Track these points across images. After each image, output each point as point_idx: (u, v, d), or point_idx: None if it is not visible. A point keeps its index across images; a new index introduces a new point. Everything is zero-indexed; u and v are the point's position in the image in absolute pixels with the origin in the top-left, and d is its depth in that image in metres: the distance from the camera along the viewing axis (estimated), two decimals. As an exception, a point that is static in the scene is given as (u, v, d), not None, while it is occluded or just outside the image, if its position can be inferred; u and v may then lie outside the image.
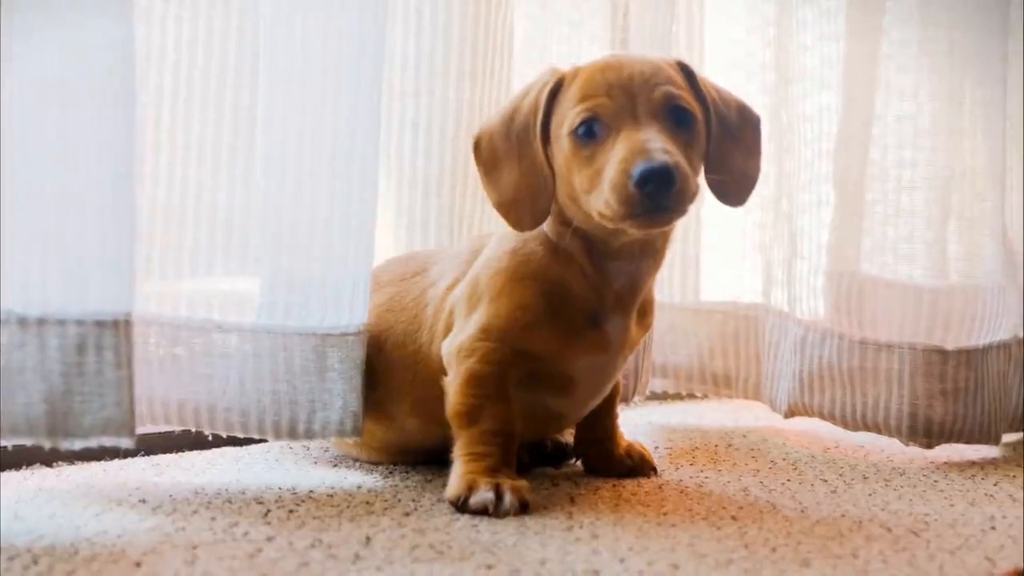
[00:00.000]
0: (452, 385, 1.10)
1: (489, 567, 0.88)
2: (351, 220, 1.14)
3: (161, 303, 1.13)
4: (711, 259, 1.65)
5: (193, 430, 1.15)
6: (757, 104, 1.53)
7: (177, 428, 1.15)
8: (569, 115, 1.05)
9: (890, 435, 1.40)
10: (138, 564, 0.86)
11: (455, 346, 1.11)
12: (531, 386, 1.12)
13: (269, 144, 1.13)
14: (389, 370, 1.17)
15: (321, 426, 1.14)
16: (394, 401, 1.17)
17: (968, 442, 1.39)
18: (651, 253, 1.11)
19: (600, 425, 1.23)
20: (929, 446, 1.39)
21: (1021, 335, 1.48)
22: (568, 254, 1.10)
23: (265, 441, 1.29)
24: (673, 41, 1.51)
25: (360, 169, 1.14)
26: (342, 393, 1.14)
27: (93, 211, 0.98)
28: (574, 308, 1.10)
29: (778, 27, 1.51)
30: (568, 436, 1.29)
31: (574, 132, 1.05)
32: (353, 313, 1.15)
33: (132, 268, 1.01)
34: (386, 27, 1.17)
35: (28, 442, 0.97)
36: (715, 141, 1.10)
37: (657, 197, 0.98)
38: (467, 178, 1.39)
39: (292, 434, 1.14)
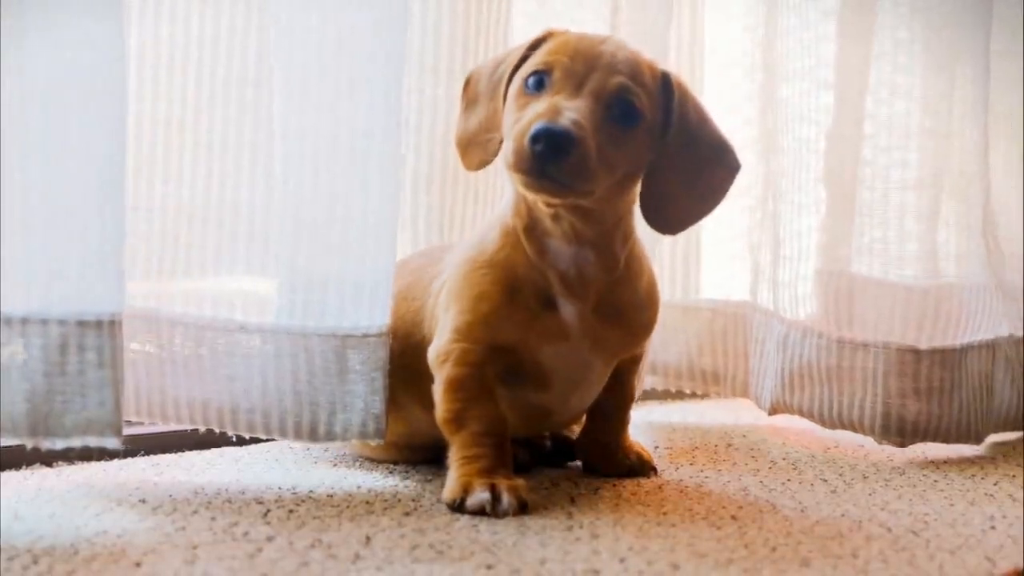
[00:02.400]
0: (437, 392, 1.10)
1: (489, 567, 0.88)
2: (369, 218, 1.14)
3: (186, 302, 1.14)
4: (704, 258, 1.64)
5: (216, 430, 1.15)
6: (754, 104, 1.55)
7: (202, 428, 1.16)
8: (529, 64, 1.07)
9: (864, 433, 1.40)
10: (138, 564, 0.86)
11: (434, 352, 1.11)
12: (511, 382, 1.12)
13: (288, 142, 1.13)
14: (402, 357, 1.17)
15: (343, 428, 1.14)
16: (403, 389, 1.17)
17: (945, 441, 1.39)
18: (588, 246, 1.09)
19: (606, 427, 1.22)
20: (902, 445, 1.39)
21: (1018, 335, 1.48)
22: (517, 235, 1.10)
23: (267, 441, 1.29)
24: (672, 39, 1.51)
25: (379, 167, 1.14)
26: (363, 395, 1.14)
27: (79, 212, 0.98)
28: (526, 290, 1.09)
29: (767, 26, 1.51)
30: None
31: (525, 79, 1.06)
32: (374, 313, 1.14)
33: (120, 269, 1.01)
34: (406, 23, 1.17)
35: (10, 441, 0.98)
36: (668, 160, 1.08)
37: (544, 160, 0.98)
38: (457, 176, 1.39)
39: (313, 436, 1.14)
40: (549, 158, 0.98)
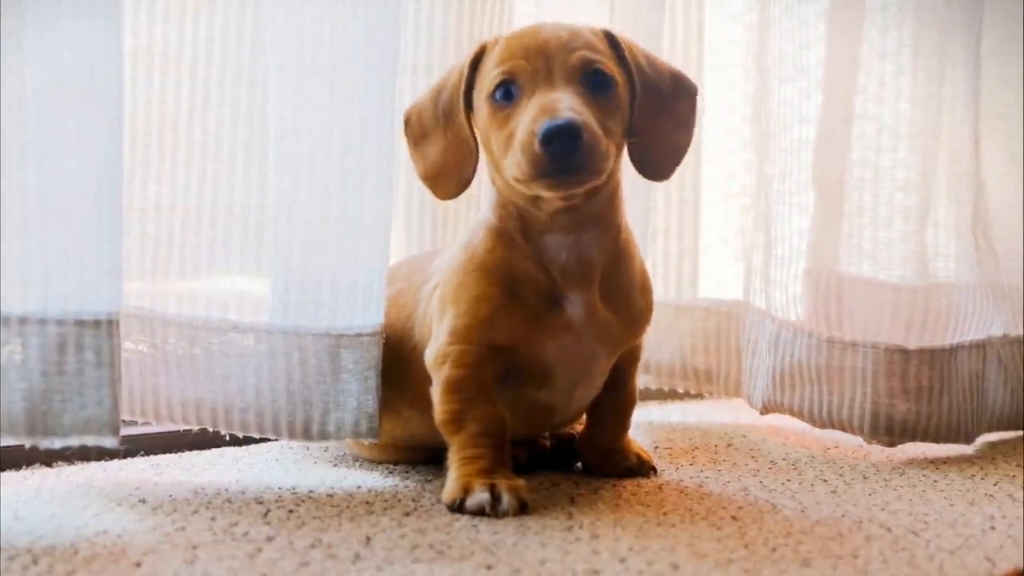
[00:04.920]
0: (435, 394, 1.10)
1: (489, 567, 0.88)
2: (365, 218, 1.14)
3: (180, 302, 1.14)
4: (702, 257, 1.64)
5: (210, 429, 1.16)
6: (752, 104, 1.55)
7: (196, 427, 1.17)
8: (487, 79, 1.07)
9: (854, 433, 1.40)
10: (138, 564, 0.86)
11: (431, 354, 1.11)
12: (512, 381, 1.12)
13: (282, 141, 1.14)
14: (393, 364, 1.17)
15: (336, 427, 1.15)
16: (398, 394, 1.18)
17: (935, 441, 1.39)
18: (590, 224, 1.10)
19: (607, 430, 1.22)
20: (891, 444, 1.39)
21: (1012, 335, 1.48)
22: (510, 235, 1.10)
23: (267, 441, 1.29)
24: (668, 37, 1.52)
25: (375, 166, 1.14)
26: (356, 394, 1.14)
27: (77, 211, 0.98)
28: (527, 290, 1.10)
29: (764, 27, 1.51)
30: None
31: (491, 95, 1.06)
32: (367, 313, 1.15)
33: (118, 268, 1.01)
34: (400, 23, 1.17)
35: (8, 441, 0.98)
36: (641, 109, 1.10)
37: (563, 156, 0.99)
38: None
39: (307, 435, 1.15)
40: (566, 152, 0.99)
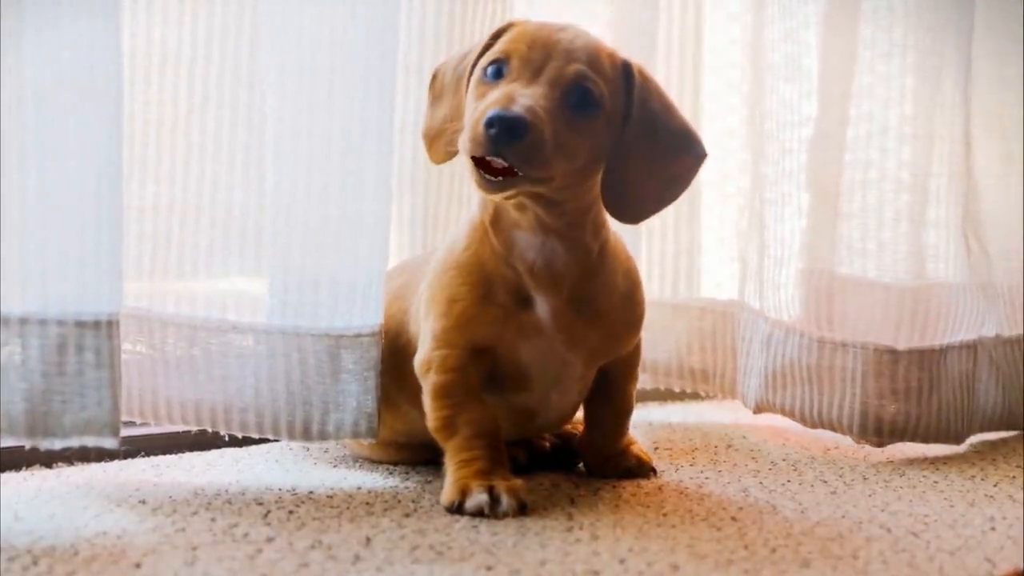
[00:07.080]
0: (425, 401, 1.11)
1: (489, 568, 0.88)
2: (365, 219, 1.14)
3: (179, 303, 1.14)
4: (705, 256, 1.64)
5: (209, 430, 1.16)
6: (749, 105, 1.55)
7: (195, 428, 1.17)
8: (489, 53, 1.07)
9: (843, 433, 1.41)
10: (138, 565, 0.86)
11: (419, 361, 1.11)
12: (492, 386, 1.12)
13: (280, 142, 1.14)
14: (393, 358, 1.17)
15: (335, 427, 1.15)
16: (396, 388, 1.18)
17: (924, 441, 1.40)
18: (556, 233, 1.08)
19: (605, 436, 1.22)
20: (880, 445, 1.40)
21: (1004, 335, 1.48)
22: (485, 229, 1.10)
23: (267, 441, 1.29)
24: (665, 36, 1.52)
25: (374, 167, 1.14)
26: (356, 394, 1.14)
27: (77, 212, 0.98)
28: (498, 288, 1.09)
29: (760, 29, 1.51)
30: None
31: (484, 69, 1.06)
32: (367, 313, 1.15)
33: (118, 268, 1.01)
34: (399, 24, 1.17)
35: (9, 441, 0.99)
36: (629, 148, 1.07)
37: (498, 144, 0.98)
38: (440, 177, 1.40)
39: (306, 435, 1.15)
40: (503, 142, 0.98)
